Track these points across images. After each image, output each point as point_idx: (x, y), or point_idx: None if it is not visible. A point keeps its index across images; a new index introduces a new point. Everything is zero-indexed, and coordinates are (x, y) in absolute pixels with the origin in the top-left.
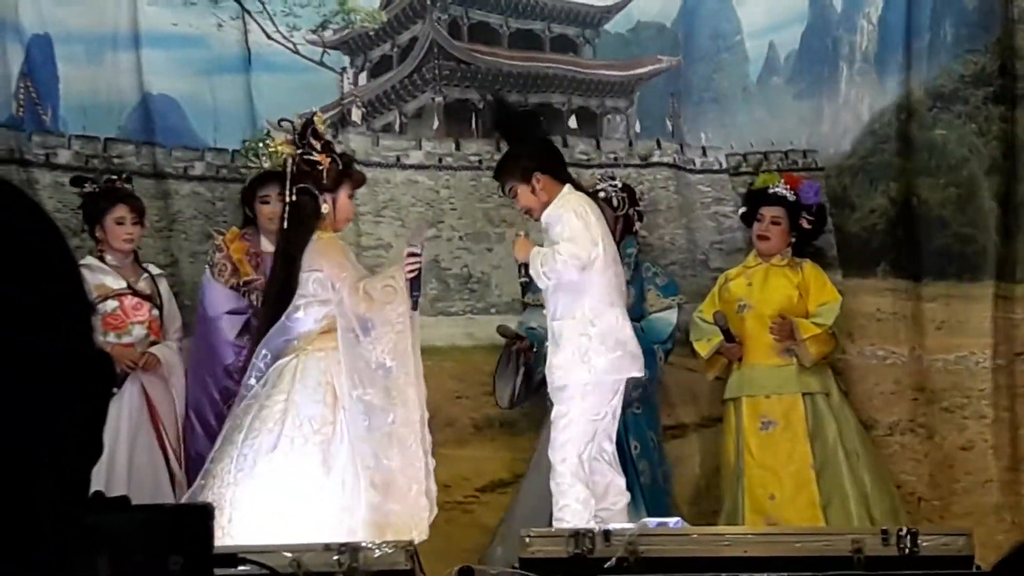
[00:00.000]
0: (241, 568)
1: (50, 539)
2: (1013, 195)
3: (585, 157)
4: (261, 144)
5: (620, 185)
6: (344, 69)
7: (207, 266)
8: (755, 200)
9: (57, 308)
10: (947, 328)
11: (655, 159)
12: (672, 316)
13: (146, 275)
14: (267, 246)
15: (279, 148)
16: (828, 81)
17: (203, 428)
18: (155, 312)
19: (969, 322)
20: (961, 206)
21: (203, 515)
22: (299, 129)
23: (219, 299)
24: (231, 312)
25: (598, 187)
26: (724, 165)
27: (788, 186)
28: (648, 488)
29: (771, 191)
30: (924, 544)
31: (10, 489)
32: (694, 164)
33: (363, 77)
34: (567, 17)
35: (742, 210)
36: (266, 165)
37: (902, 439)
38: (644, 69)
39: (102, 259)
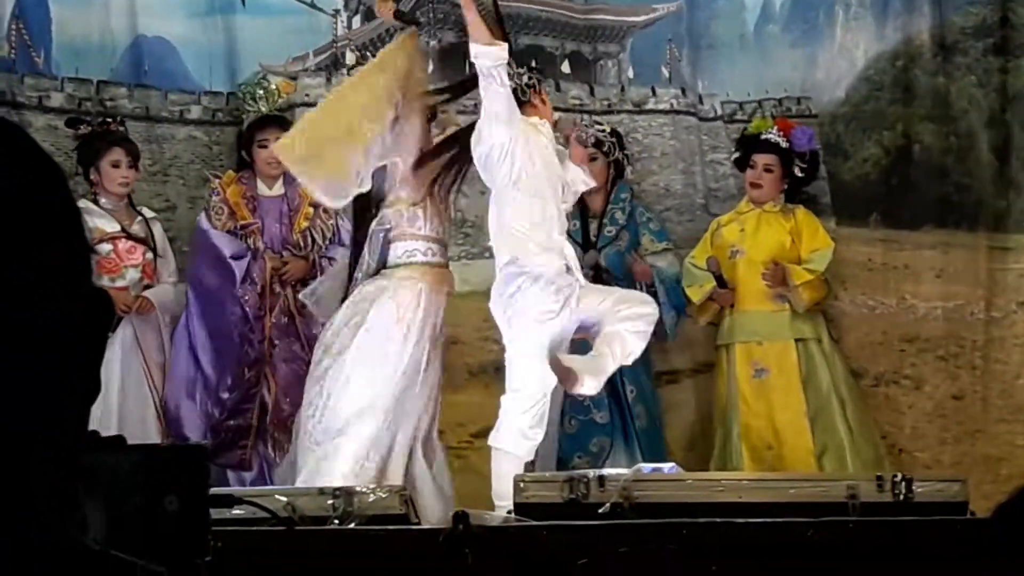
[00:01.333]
0: (236, 509)
1: (44, 516)
2: (1009, 147)
3: (578, 103)
4: (259, 89)
5: (608, 130)
6: (337, 11)
7: (203, 210)
8: (748, 146)
9: (54, 277)
10: (946, 276)
11: (650, 106)
12: (672, 267)
13: (140, 218)
14: (263, 190)
15: (278, 90)
16: (823, 27)
17: (222, 373)
18: (149, 256)
19: (967, 271)
20: (961, 156)
21: (199, 455)
22: None
23: (223, 243)
24: (233, 257)
25: (587, 132)
26: (719, 112)
27: (781, 132)
28: (644, 432)
29: (763, 137)
30: (919, 490)
31: (3, 468)
32: (695, 107)
33: (357, 20)
34: None
35: (735, 155)
36: (263, 109)
37: (887, 390)
38: (639, 17)
39: (96, 202)
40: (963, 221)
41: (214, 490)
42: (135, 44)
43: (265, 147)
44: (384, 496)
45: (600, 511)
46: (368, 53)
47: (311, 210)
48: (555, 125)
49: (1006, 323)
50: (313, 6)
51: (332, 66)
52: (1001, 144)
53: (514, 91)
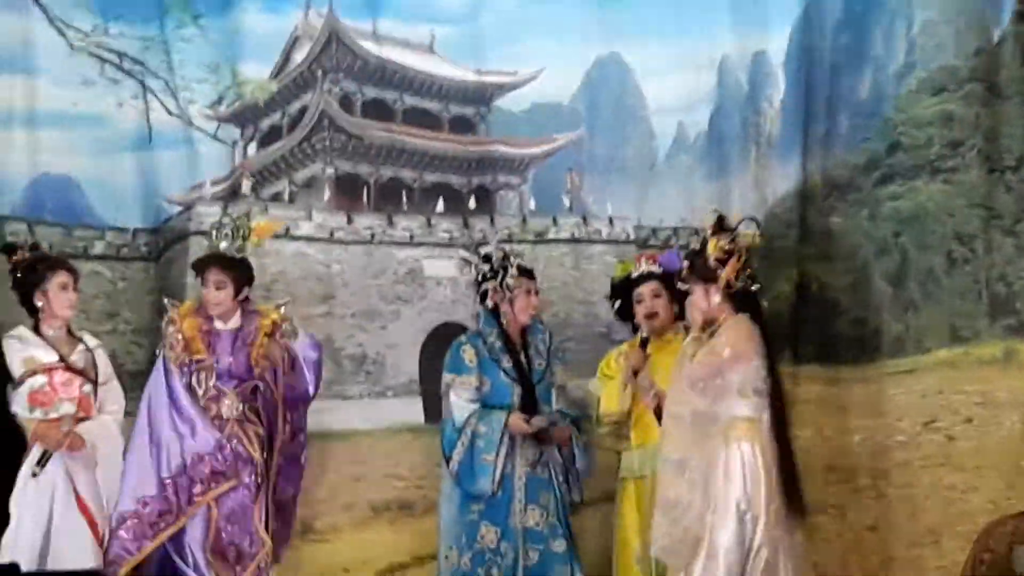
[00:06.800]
0: None
1: None
2: (905, 271)
3: (481, 234)
4: (233, 227)
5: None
6: (235, 142)
7: (162, 344)
8: (625, 289)
9: None
10: (854, 409)
11: (551, 236)
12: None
13: (82, 347)
14: (219, 324)
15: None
16: (736, 162)
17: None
18: (87, 388)
19: (866, 403)
20: (854, 290)
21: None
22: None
23: (200, 432)
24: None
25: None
26: (632, 236)
27: (650, 260)
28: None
29: (636, 275)
30: None
31: None
32: (600, 234)
33: (252, 147)
34: (463, 96)
35: (615, 306)
36: (223, 245)
37: (815, 519)
38: (539, 149)
39: (36, 330)
40: (862, 354)
41: None
42: (36, 181)
43: (205, 287)
44: None
45: None
46: (263, 179)
47: (265, 340)
48: None
49: (911, 446)
50: (215, 138)
51: (231, 196)
52: (894, 269)
53: None
